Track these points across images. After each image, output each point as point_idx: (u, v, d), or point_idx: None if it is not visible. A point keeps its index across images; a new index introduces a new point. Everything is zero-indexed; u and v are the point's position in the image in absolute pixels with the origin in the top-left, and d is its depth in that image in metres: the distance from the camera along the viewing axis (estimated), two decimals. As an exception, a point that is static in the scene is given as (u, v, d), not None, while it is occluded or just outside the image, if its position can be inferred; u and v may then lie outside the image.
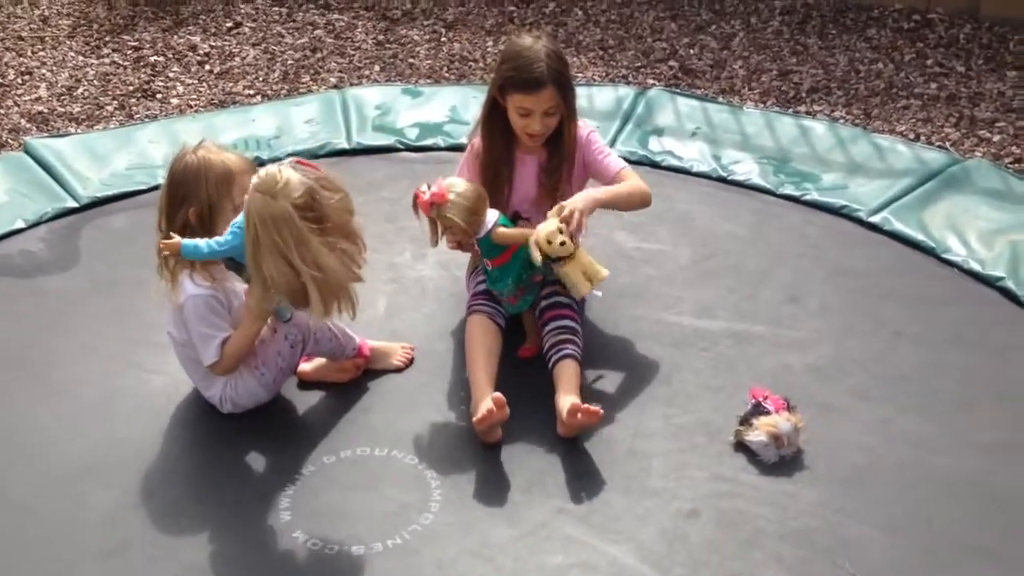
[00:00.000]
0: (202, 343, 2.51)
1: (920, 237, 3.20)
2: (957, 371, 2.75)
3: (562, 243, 2.55)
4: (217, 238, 2.43)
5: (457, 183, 2.64)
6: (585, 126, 2.83)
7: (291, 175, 2.33)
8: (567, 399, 2.54)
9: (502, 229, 2.66)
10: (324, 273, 2.35)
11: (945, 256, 3.13)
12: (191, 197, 2.50)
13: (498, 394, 2.50)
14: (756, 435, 2.48)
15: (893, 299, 2.99)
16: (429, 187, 2.63)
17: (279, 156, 3.67)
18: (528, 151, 2.80)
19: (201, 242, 2.43)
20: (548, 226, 2.57)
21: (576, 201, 2.62)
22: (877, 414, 2.62)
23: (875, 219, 3.30)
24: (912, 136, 3.89)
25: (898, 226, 3.25)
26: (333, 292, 2.39)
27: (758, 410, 2.53)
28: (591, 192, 2.73)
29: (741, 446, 2.51)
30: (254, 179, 2.35)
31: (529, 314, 2.81)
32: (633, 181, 2.77)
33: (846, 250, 3.20)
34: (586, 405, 2.50)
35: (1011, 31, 4.49)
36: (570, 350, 2.66)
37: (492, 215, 2.67)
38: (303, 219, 2.31)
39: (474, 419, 2.51)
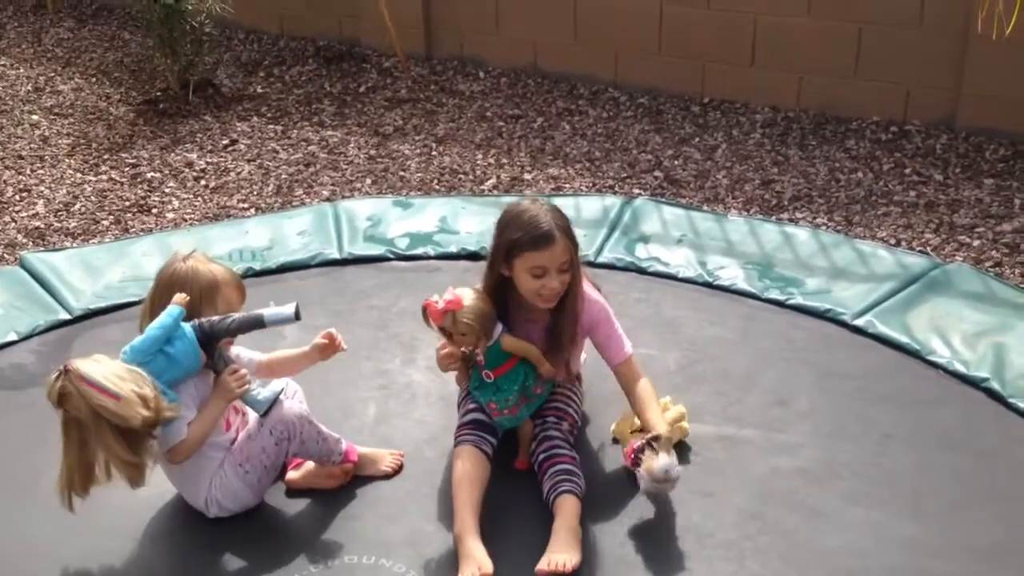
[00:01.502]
0: (169, 425, 2.50)
1: (905, 340, 3.24)
2: (947, 473, 2.74)
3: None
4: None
5: (467, 292, 2.65)
6: (597, 298, 2.76)
7: (52, 382, 2.38)
8: (564, 523, 2.51)
9: (511, 338, 2.69)
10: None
11: (930, 358, 3.16)
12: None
13: (489, 570, 2.41)
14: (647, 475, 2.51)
15: (881, 401, 3.01)
16: (440, 297, 2.65)
17: (271, 267, 3.75)
18: (531, 319, 2.74)
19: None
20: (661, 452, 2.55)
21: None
22: (869, 517, 2.60)
23: (860, 322, 3.34)
24: (893, 242, 3.96)
25: (883, 329, 3.29)
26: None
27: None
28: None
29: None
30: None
31: (530, 430, 2.77)
32: (644, 380, 2.74)
33: (832, 353, 3.22)
34: (555, 561, 2.42)
35: (986, 140, 4.63)
36: (570, 486, 2.60)
37: (499, 326, 2.69)
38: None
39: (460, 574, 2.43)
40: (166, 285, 2.58)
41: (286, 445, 2.62)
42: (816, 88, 4.96)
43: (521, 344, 2.70)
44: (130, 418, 2.36)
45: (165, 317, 2.49)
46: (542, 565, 2.43)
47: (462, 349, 2.67)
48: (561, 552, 2.45)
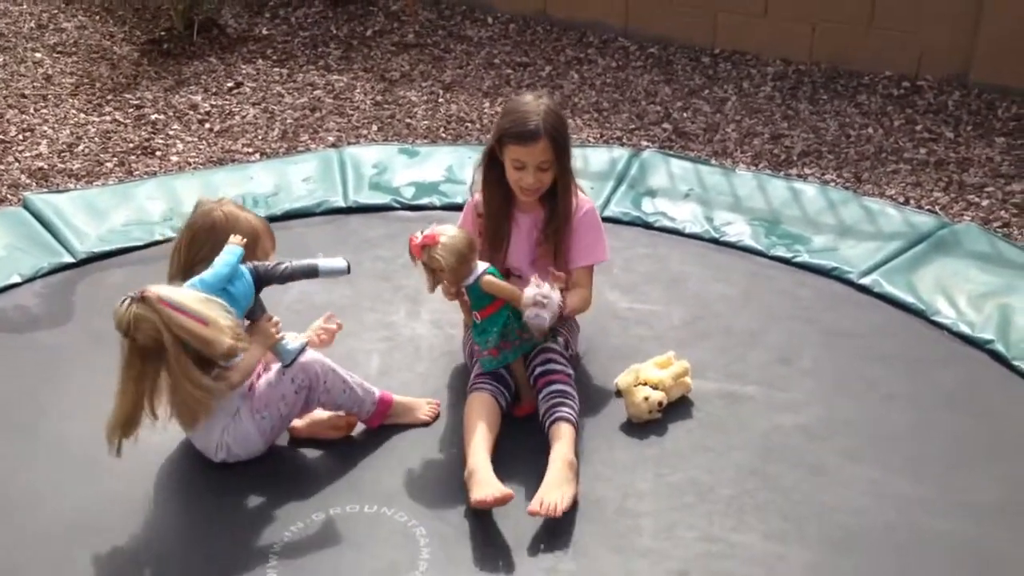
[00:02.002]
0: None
1: (910, 299, 3.23)
2: (948, 433, 2.75)
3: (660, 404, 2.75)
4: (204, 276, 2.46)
5: (448, 229, 2.69)
6: (587, 200, 2.90)
7: (128, 309, 2.33)
8: (559, 454, 2.56)
9: (490, 278, 2.70)
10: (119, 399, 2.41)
11: (935, 318, 3.15)
12: (219, 250, 2.53)
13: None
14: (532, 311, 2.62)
15: (884, 361, 3.01)
16: (422, 232, 2.68)
17: (276, 214, 3.72)
18: (525, 210, 2.85)
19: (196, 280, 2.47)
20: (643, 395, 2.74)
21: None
22: (868, 476, 2.62)
23: (865, 281, 3.33)
24: (902, 200, 3.94)
25: (888, 288, 3.28)
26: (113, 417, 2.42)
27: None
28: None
29: None
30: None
31: (523, 373, 2.82)
32: (587, 291, 2.87)
33: (837, 312, 3.22)
34: (546, 504, 2.45)
35: (999, 98, 4.57)
36: (564, 412, 2.66)
37: (481, 265, 2.70)
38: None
39: (475, 497, 2.47)
40: (207, 231, 2.58)
41: (305, 394, 2.63)
42: (829, 40, 4.88)
43: (502, 286, 2.70)
44: (218, 343, 2.33)
45: (229, 256, 2.48)
46: (534, 505, 2.46)
47: (447, 290, 2.71)
48: (552, 492, 2.47)
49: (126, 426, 2.42)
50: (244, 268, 2.52)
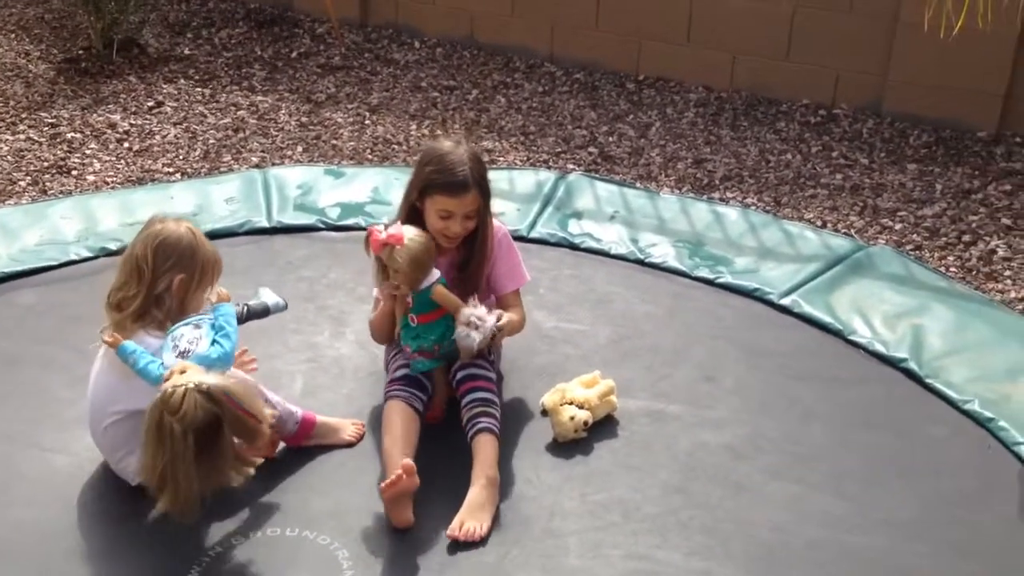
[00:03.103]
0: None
1: (828, 319, 3.30)
2: (865, 450, 2.81)
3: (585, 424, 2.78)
4: (197, 350, 2.40)
5: (410, 230, 2.67)
6: (500, 226, 2.90)
7: (194, 402, 2.25)
8: (481, 471, 2.56)
9: (442, 289, 2.70)
10: (178, 486, 2.31)
11: (852, 338, 3.23)
12: (182, 267, 2.49)
13: (408, 460, 2.47)
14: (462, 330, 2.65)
15: (804, 379, 3.07)
16: (387, 227, 2.65)
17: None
18: (442, 252, 2.81)
19: (138, 350, 2.41)
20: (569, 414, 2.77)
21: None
22: (790, 492, 2.66)
23: (785, 302, 3.40)
24: (819, 223, 4.04)
25: (807, 309, 3.35)
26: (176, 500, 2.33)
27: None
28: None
29: None
30: (158, 393, 2.28)
31: (439, 374, 2.81)
32: (519, 312, 2.88)
33: (758, 331, 3.28)
34: (465, 528, 2.46)
35: (911, 127, 4.73)
36: (486, 423, 2.66)
37: (435, 273, 2.70)
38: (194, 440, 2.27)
39: (381, 485, 2.47)
40: (173, 245, 2.49)
41: None
42: (749, 69, 5.01)
43: (451, 298, 2.70)
44: (261, 437, 2.39)
45: (231, 318, 2.51)
46: (453, 528, 2.45)
47: (394, 288, 2.70)
48: (473, 517, 2.48)
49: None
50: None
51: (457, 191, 2.69)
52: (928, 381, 3.04)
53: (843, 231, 3.98)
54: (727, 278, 3.51)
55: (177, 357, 2.37)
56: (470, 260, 2.83)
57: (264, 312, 2.77)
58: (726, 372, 3.09)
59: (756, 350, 3.18)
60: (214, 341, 2.43)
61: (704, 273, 3.54)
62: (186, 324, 2.45)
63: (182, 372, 2.28)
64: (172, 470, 2.27)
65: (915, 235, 3.99)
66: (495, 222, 2.88)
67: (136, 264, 2.51)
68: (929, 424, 2.91)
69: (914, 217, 4.10)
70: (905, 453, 2.80)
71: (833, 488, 2.67)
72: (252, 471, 2.49)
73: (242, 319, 2.62)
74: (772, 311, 3.38)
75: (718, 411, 2.93)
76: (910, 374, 3.08)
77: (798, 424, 2.90)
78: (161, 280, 2.49)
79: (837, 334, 3.25)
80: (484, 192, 2.75)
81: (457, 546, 2.46)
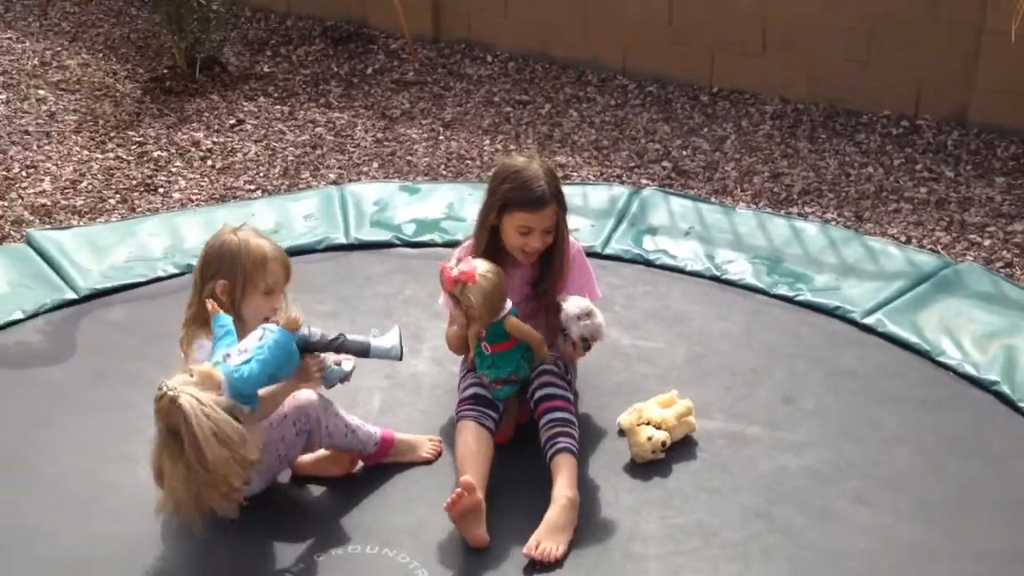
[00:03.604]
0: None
1: (914, 339, 3.22)
2: (955, 477, 2.73)
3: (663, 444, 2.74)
4: (231, 361, 2.36)
5: (481, 265, 2.69)
6: (574, 242, 2.90)
7: (165, 405, 2.23)
8: (561, 491, 2.54)
9: (515, 320, 2.71)
10: (168, 482, 2.30)
11: (940, 359, 3.14)
12: (224, 272, 2.57)
13: (466, 477, 2.47)
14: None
15: (889, 402, 2.99)
16: (458, 262, 2.69)
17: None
18: (515, 265, 2.82)
19: (228, 327, 2.44)
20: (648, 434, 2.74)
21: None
22: (877, 520, 2.59)
23: (869, 320, 3.32)
24: (903, 239, 3.94)
25: (892, 328, 3.27)
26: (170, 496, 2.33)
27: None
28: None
29: None
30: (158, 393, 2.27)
31: (515, 404, 2.81)
32: None
33: (840, 351, 3.21)
34: (542, 548, 2.44)
35: (998, 138, 4.59)
36: (566, 443, 2.65)
37: (507, 305, 2.71)
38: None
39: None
40: (215, 253, 2.61)
41: (306, 437, 2.61)
42: (827, 80, 4.92)
43: (524, 328, 2.72)
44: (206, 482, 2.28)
45: (278, 348, 2.38)
46: (530, 547, 2.45)
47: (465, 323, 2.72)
48: (550, 537, 2.47)
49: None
50: (292, 342, 2.42)
51: (536, 206, 2.71)
52: (1022, 405, 2.94)
53: (929, 247, 3.88)
54: (807, 296, 3.45)
55: (217, 359, 2.38)
56: (544, 276, 2.83)
57: (363, 351, 2.54)
58: (806, 393, 3.03)
59: (838, 371, 3.12)
60: (248, 360, 2.36)
61: (783, 291, 3.48)
62: (254, 332, 2.45)
63: (191, 374, 2.28)
64: (159, 461, 2.32)
65: (1005, 251, 3.87)
66: (570, 238, 2.88)
67: (194, 273, 2.65)
68: (1023, 450, 2.81)
69: (1003, 233, 3.98)
70: (997, 481, 2.71)
71: (922, 517, 2.60)
72: (236, 506, 2.37)
73: (322, 347, 2.50)
74: (855, 330, 3.30)
75: (799, 433, 2.88)
76: (1002, 397, 2.98)
77: (883, 449, 2.83)
78: (207, 286, 2.58)
79: (924, 355, 3.16)
80: (561, 206, 2.76)
81: (534, 567, 2.45)
